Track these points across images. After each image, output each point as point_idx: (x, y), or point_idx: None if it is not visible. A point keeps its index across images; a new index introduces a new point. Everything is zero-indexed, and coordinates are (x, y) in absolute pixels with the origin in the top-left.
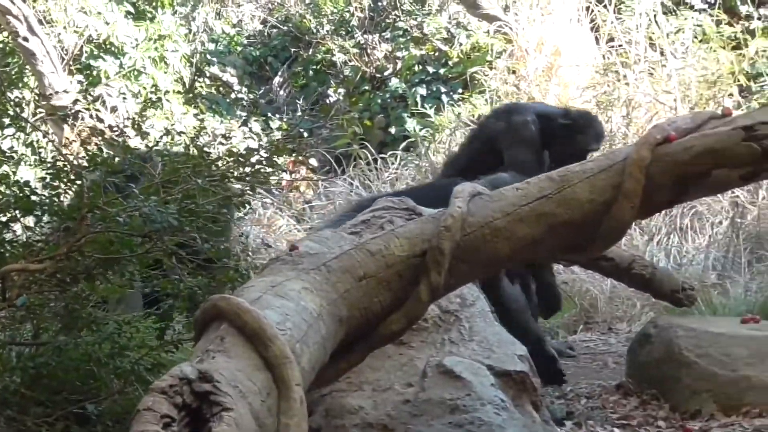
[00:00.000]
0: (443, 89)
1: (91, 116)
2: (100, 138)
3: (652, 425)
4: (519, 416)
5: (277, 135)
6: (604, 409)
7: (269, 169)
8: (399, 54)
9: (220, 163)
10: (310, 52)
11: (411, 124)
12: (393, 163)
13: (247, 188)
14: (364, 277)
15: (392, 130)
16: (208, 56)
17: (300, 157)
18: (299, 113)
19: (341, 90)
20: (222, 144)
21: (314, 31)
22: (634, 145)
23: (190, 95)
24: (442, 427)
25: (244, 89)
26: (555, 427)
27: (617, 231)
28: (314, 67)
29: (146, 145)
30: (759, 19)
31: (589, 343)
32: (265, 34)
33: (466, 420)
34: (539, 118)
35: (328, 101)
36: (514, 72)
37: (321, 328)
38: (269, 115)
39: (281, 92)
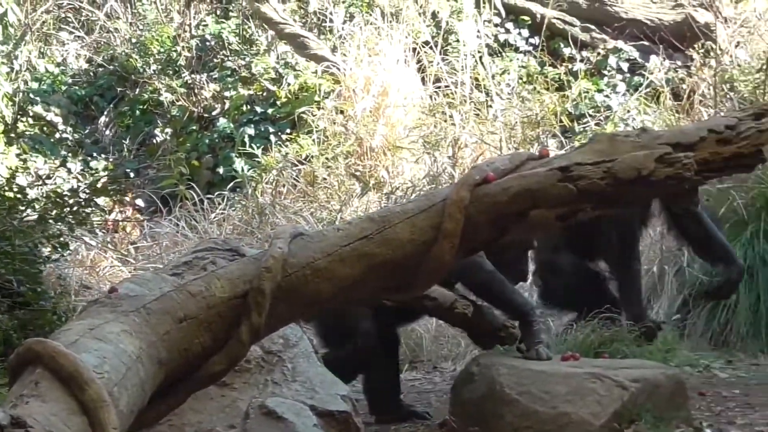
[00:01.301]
0: (271, 129)
1: None
2: None
3: None
4: None
5: (103, 175)
6: None
7: (89, 210)
8: (227, 94)
9: (36, 204)
10: (136, 92)
11: (239, 164)
12: (220, 204)
13: (65, 228)
14: (185, 319)
15: (220, 170)
16: (32, 95)
17: (126, 198)
18: (125, 153)
19: (168, 130)
20: (45, 184)
21: (141, 70)
22: (453, 186)
23: (12, 135)
24: None
25: (69, 129)
26: None
27: (437, 270)
28: (141, 106)
29: None
30: (581, 61)
31: (415, 382)
32: (91, 73)
33: None
34: None
35: (154, 141)
36: (342, 112)
37: (140, 371)
38: (94, 155)
39: (107, 132)
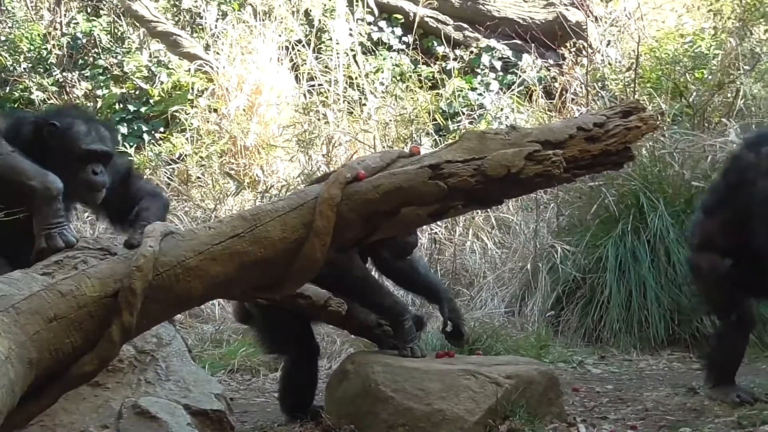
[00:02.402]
0: (144, 128)
1: None
2: None
3: None
4: None
5: None
6: None
7: None
8: (99, 92)
9: None
10: (7, 90)
11: None
12: None
13: None
14: (55, 318)
15: None
16: None
17: None
18: None
19: None
20: None
21: (11, 68)
22: (324, 184)
23: None
24: None
25: None
26: None
27: (309, 268)
28: (12, 105)
29: None
30: (455, 59)
31: None
32: None
33: None
34: None
35: None
36: (215, 110)
37: (9, 372)
38: None
39: None
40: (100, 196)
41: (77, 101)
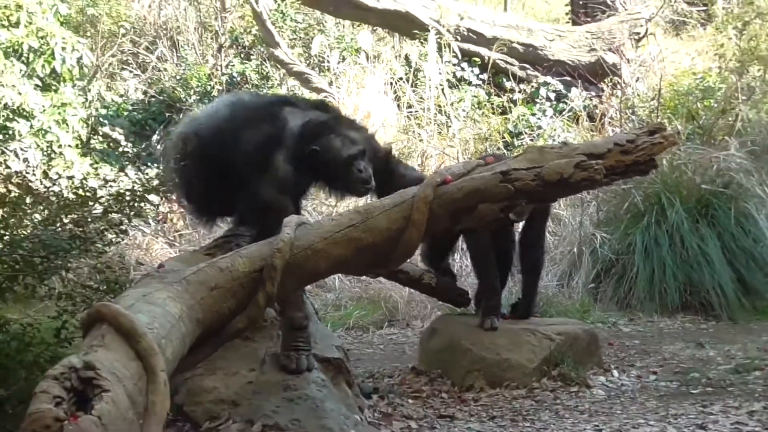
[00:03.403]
0: None
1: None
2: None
3: (437, 397)
4: (336, 392)
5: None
6: (402, 385)
7: (143, 205)
8: None
9: (102, 200)
10: (180, 116)
11: None
12: None
13: (125, 219)
14: (215, 288)
15: None
16: (101, 119)
17: (172, 196)
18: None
19: None
20: (110, 186)
21: (184, 99)
22: (420, 186)
23: (86, 149)
24: (277, 400)
25: (129, 144)
26: (364, 399)
27: (408, 251)
28: None
29: (44, 186)
30: (519, 92)
31: (392, 336)
32: (146, 101)
33: (296, 395)
34: None
35: None
36: None
37: (182, 328)
38: (148, 164)
39: (159, 147)
40: (372, 185)
41: None
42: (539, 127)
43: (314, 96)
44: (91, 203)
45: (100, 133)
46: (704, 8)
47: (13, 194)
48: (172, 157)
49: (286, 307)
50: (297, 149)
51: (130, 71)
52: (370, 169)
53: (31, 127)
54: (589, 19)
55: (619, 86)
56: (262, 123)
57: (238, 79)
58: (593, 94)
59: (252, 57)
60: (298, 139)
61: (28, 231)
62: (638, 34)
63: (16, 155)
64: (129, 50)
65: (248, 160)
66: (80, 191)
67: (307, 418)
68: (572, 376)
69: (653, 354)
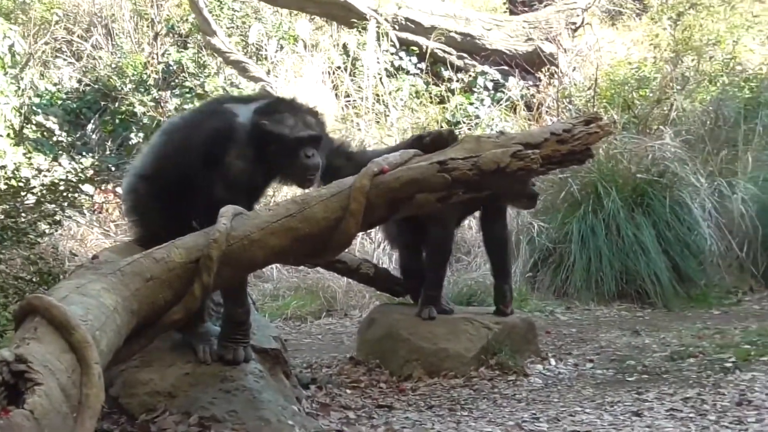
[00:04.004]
0: None
1: None
2: None
3: (375, 386)
4: (273, 383)
5: (89, 169)
6: (340, 375)
7: (77, 195)
8: (186, 106)
9: (35, 190)
10: (116, 105)
11: None
12: None
13: (59, 209)
14: (151, 279)
15: None
16: (34, 108)
17: (108, 186)
18: (107, 152)
19: (141, 134)
20: (44, 176)
21: (119, 88)
22: (357, 176)
23: (19, 138)
24: (214, 392)
25: (63, 133)
26: (302, 390)
27: (345, 241)
28: (120, 116)
29: None
30: (457, 81)
31: (330, 326)
32: (80, 90)
33: (233, 387)
34: None
35: (130, 143)
36: None
37: (116, 319)
38: (83, 153)
39: (93, 136)
40: (317, 177)
41: (169, 114)
42: (477, 117)
43: (252, 85)
44: (23, 193)
45: (34, 122)
46: None
47: None
48: (129, 208)
49: (227, 300)
50: (250, 141)
51: (64, 59)
52: (319, 159)
53: None
54: (526, 9)
55: (556, 76)
56: (206, 121)
57: (175, 67)
58: (530, 83)
59: (189, 45)
60: (251, 128)
61: None
62: (575, 24)
63: None
64: (63, 38)
65: (198, 162)
66: (12, 181)
67: (244, 410)
68: (510, 364)
69: (590, 342)
